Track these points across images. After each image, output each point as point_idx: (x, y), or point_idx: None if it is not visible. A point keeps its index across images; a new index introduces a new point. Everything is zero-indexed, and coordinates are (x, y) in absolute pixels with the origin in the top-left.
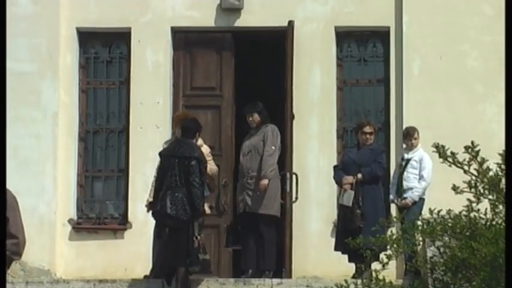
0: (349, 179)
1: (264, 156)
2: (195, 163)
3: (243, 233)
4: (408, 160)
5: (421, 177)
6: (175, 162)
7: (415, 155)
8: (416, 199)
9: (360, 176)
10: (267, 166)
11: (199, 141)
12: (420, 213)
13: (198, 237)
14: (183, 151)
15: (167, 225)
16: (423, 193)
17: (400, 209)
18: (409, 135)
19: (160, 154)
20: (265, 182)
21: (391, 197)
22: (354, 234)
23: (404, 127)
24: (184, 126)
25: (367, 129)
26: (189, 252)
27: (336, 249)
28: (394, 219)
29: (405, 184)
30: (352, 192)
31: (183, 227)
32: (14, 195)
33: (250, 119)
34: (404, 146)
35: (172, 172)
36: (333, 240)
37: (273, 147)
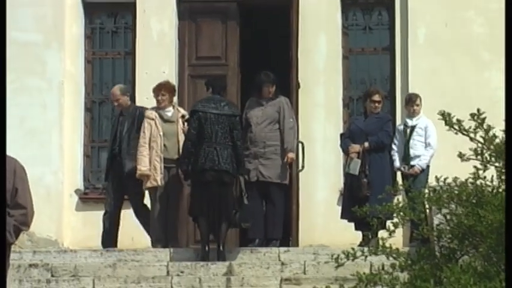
0: (356, 147)
1: (286, 129)
2: (239, 120)
3: (251, 202)
4: (413, 127)
5: (427, 145)
6: (219, 119)
7: (419, 122)
8: (425, 167)
9: (366, 144)
10: (291, 139)
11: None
12: (427, 181)
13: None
14: (227, 109)
15: (223, 181)
16: (430, 160)
17: (405, 176)
18: (411, 101)
19: (197, 111)
20: (292, 155)
21: (397, 164)
22: (360, 202)
23: None
24: (214, 84)
25: (376, 97)
26: (240, 206)
27: (342, 217)
28: (401, 187)
29: (412, 152)
30: (359, 161)
31: (233, 182)
32: (22, 166)
33: (269, 89)
34: (407, 112)
35: (217, 129)
36: (340, 208)
37: (291, 120)
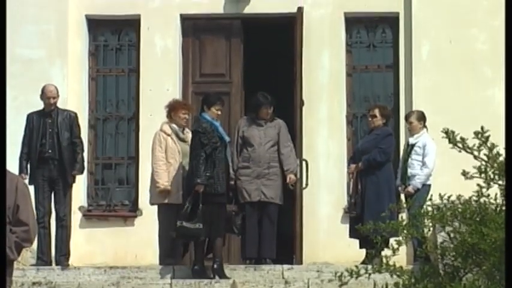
0: (352, 167)
1: (287, 151)
2: (193, 136)
3: (249, 221)
4: (412, 146)
5: (423, 164)
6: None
7: (419, 140)
8: (419, 186)
9: (360, 164)
10: (292, 161)
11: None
12: (426, 199)
13: (187, 204)
14: (192, 126)
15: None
16: (427, 180)
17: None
18: (406, 119)
19: None
20: (294, 177)
21: (397, 183)
22: (363, 221)
23: None
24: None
25: (371, 112)
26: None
27: (350, 236)
28: (404, 205)
29: (409, 171)
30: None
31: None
32: (24, 183)
33: (268, 111)
34: None
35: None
36: (343, 225)
37: (290, 143)
